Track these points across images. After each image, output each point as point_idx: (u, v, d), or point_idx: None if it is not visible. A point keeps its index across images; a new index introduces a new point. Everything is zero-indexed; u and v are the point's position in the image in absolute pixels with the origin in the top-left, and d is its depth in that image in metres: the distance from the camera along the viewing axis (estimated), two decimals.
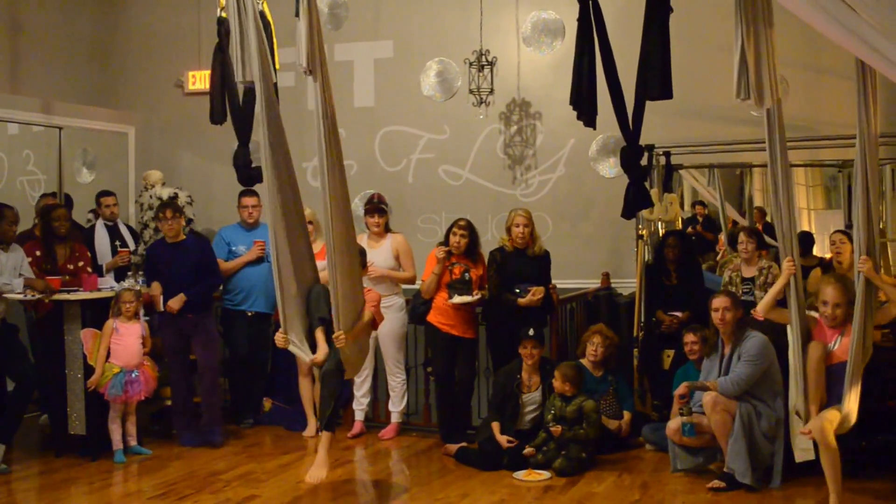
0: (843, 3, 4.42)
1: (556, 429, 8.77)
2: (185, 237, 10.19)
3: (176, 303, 9.81)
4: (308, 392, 10.34)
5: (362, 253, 8.48)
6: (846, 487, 7.97)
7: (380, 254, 10.12)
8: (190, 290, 9.93)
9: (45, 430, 10.43)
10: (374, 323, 8.16)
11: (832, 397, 7.43)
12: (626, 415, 9.52)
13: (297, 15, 6.87)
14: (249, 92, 9.69)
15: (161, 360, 10.11)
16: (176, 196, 11.66)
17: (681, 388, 8.49)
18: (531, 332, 9.12)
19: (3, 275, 9.14)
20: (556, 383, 8.92)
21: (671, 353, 9.75)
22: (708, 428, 8.30)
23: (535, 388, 9.18)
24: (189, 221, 11.26)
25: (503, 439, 8.94)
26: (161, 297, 9.93)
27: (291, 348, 7.65)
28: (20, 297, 9.30)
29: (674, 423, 8.50)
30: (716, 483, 8.12)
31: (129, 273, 10.70)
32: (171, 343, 10.08)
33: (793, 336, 7.55)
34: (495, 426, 9.07)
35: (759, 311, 7.76)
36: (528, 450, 8.84)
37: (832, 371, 7.45)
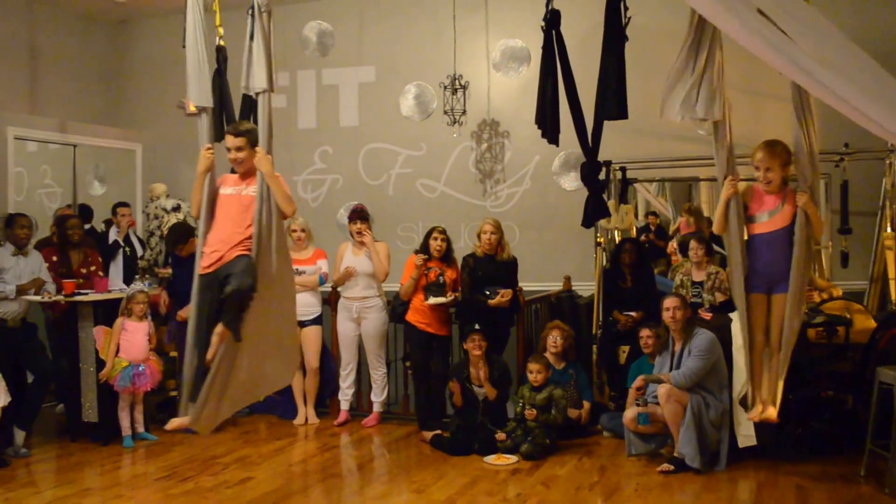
0: (782, 34, 4.39)
1: (531, 413, 8.83)
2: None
3: (186, 312, 9.77)
4: (298, 384, 10.40)
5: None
6: (783, 471, 7.99)
7: (363, 259, 10.11)
8: None
9: (61, 418, 10.51)
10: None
11: (773, 267, 6.61)
12: (586, 405, 9.54)
13: (251, 38, 6.72)
14: (243, 113, 9.63)
15: (165, 356, 10.22)
16: (179, 207, 11.64)
17: (637, 381, 8.55)
18: (476, 326, 9.17)
19: (23, 279, 9.27)
20: (536, 374, 8.98)
21: (626, 348, 9.76)
22: (661, 417, 8.30)
23: (486, 379, 9.15)
24: (193, 231, 11.24)
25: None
26: (168, 301, 9.97)
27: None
28: (38, 298, 9.37)
29: (630, 413, 8.53)
30: (665, 466, 8.12)
31: (137, 277, 10.74)
32: (183, 345, 9.98)
33: (736, 294, 6.83)
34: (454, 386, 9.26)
35: (715, 229, 7.07)
36: (499, 434, 8.85)
37: (771, 238, 6.66)
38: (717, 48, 6.24)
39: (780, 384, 6.78)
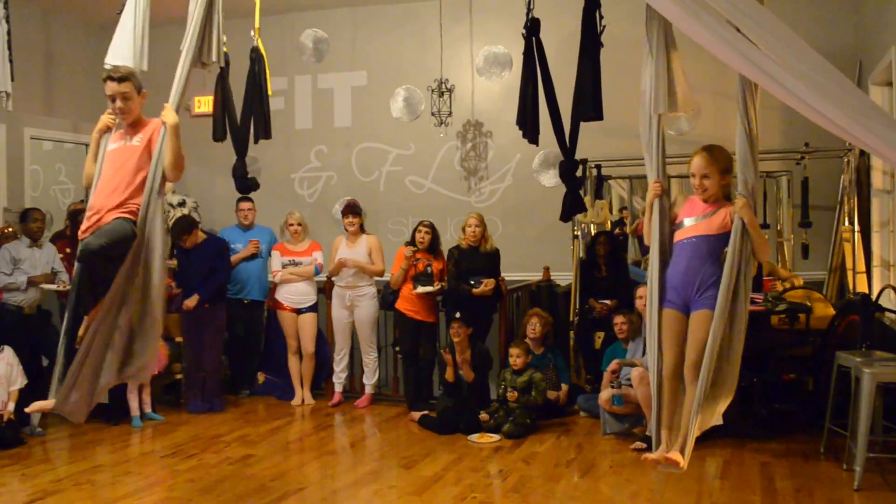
0: (745, 38, 4.37)
1: (513, 394, 8.84)
2: (205, 237, 10.27)
3: (191, 302, 9.90)
4: (296, 368, 10.53)
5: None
6: (749, 448, 7.99)
7: (356, 251, 10.17)
8: (204, 286, 10.00)
9: None
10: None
11: (690, 278, 5.39)
12: (564, 387, 9.57)
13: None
14: (245, 115, 9.58)
15: (171, 341, 10.26)
16: (184, 202, 11.61)
17: (612, 365, 8.59)
18: (457, 315, 9.20)
19: (38, 269, 9.29)
20: (516, 358, 9.01)
21: (601, 334, 9.75)
22: (634, 398, 8.28)
23: (467, 363, 9.19)
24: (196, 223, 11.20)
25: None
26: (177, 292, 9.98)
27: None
28: (53, 287, 9.41)
29: (605, 394, 8.55)
30: (638, 444, 8.13)
31: None
32: (188, 330, 10.16)
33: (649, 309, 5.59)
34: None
35: (646, 240, 5.78)
36: (482, 415, 8.88)
37: (690, 244, 5.46)
38: (671, 47, 5.51)
39: (696, 424, 5.29)
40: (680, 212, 5.60)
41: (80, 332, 5.42)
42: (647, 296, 5.64)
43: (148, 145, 5.56)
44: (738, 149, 5.31)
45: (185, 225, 10.02)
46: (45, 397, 8.48)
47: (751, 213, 5.28)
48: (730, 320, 5.25)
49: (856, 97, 4.38)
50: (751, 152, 5.28)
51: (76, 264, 5.42)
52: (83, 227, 5.43)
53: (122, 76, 5.65)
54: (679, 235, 5.55)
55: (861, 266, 9.55)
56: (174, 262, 10.79)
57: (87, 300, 5.45)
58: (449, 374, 9.18)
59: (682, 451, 5.36)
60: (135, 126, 5.66)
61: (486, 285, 9.51)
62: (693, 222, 5.50)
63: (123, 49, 6.18)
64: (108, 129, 5.73)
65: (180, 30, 6.09)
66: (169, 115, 5.58)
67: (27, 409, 5.86)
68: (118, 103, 5.60)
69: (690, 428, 5.31)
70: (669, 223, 5.61)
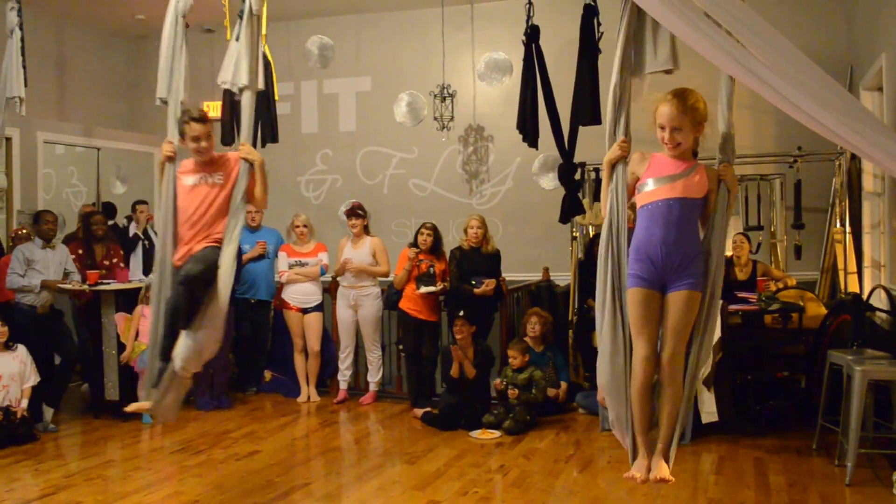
0: (739, 44, 4.35)
1: (514, 392, 8.84)
2: None
3: None
4: (301, 366, 10.52)
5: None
6: (743, 444, 7.99)
7: (360, 252, 10.14)
8: None
9: (85, 397, 10.55)
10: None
11: (669, 249, 4.54)
12: (563, 384, 9.54)
13: (236, 39, 6.31)
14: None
15: None
16: None
17: None
18: (461, 313, 9.24)
19: (50, 269, 9.31)
20: (513, 359, 9.02)
21: None
22: None
23: (470, 360, 9.20)
24: None
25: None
26: None
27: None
28: (68, 286, 9.40)
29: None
30: None
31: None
32: None
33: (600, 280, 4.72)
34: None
35: (603, 212, 4.78)
36: (487, 417, 8.87)
37: (670, 208, 4.57)
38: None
39: (679, 423, 4.64)
40: (643, 171, 4.72)
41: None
42: (598, 275, 4.72)
43: (228, 183, 5.93)
44: (720, 124, 4.77)
45: None
46: (58, 395, 8.75)
47: (735, 179, 4.73)
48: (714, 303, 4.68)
49: (846, 101, 4.37)
50: (729, 127, 4.75)
51: (177, 287, 5.75)
52: (177, 255, 5.83)
53: (205, 117, 5.97)
54: (649, 198, 4.64)
55: (852, 266, 9.54)
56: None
57: (186, 317, 5.79)
58: (454, 370, 9.17)
59: (665, 458, 4.64)
60: (211, 163, 5.99)
61: (488, 285, 9.49)
62: (665, 183, 4.60)
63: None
64: (171, 159, 5.98)
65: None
66: (252, 153, 5.93)
67: (126, 409, 6.21)
68: (202, 143, 5.90)
69: (676, 430, 4.62)
70: (627, 185, 4.77)
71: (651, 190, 4.63)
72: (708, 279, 4.62)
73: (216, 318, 5.83)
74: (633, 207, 4.83)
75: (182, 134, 5.97)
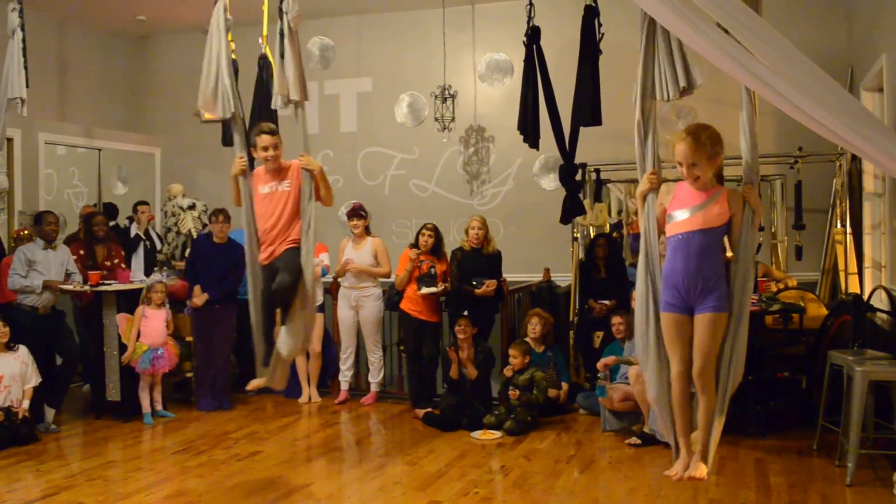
0: (740, 45, 4.36)
1: (514, 393, 8.84)
2: (227, 240, 10.15)
3: (199, 300, 9.92)
4: (303, 366, 10.48)
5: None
6: (744, 445, 7.98)
7: (361, 253, 10.12)
8: (218, 286, 10.00)
9: (87, 397, 10.52)
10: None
11: (690, 277, 4.94)
12: (564, 385, 9.55)
13: (281, 56, 6.76)
14: (253, 120, 9.60)
15: (182, 340, 10.19)
16: (194, 205, 11.61)
17: (609, 359, 8.63)
18: (465, 313, 9.30)
19: (52, 270, 9.29)
20: (513, 359, 9.01)
21: (601, 334, 9.74)
22: (632, 395, 8.26)
23: (471, 360, 9.24)
24: (205, 226, 11.23)
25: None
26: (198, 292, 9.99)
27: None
28: (69, 287, 9.38)
29: (612, 394, 8.57)
30: (633, 440, 8.14)
31: (156, 269, 10.81)
32: (199, 329, 10.13)
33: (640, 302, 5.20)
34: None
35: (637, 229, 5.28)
36: (488, 418, 8.86)
37: (689, 239, 4.95)
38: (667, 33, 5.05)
39: (718, 428, 5.07)
40: (669, 202, 5.06)
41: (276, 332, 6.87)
42: (637, 299, 5.21)
43: (295, 189, 6.75)
44: (743, 150, 5.00)
45: (222, 211, 10.13)
46: (60, 396, 8.81)
47: (758, 200, 4.97)
48: (742, 322, 5.00)
49: (847, 102, 4.38)
50: (752, 152, 4.98)
51: (272, 294, 6.71)
52: (262, 255, 6.75)
53: (275, 130, 6.82)
54: (672, 230, 5.02)
55: (853, 267, 9.55)
56: (182, 264, 10.84)
57: (283, 313, 6.81)
58: (453, 372, 9.18)
59: (703, 459, 5.09)
60: (279, 171, 6.80)
61: (488, 286, 9.50)
62: (687, 214, 4.95)
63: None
64: (242, 173, 6.76)
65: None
66: (311, 163, 6.77)
67: (249, 387, 7.23)
68: (270, 152, 6.72)
69: (712, 435, 5.07)
70: (657, 216, 5.14)
71: (672, 223, 5.04)
72: (733, 299, 4.98)
73: (307, 308, 6.81)
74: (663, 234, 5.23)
75: (253, 146, 6.77)
